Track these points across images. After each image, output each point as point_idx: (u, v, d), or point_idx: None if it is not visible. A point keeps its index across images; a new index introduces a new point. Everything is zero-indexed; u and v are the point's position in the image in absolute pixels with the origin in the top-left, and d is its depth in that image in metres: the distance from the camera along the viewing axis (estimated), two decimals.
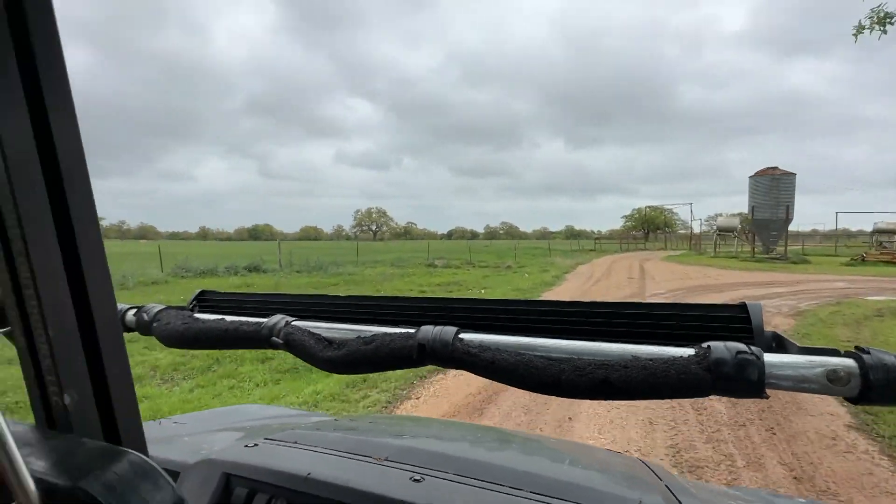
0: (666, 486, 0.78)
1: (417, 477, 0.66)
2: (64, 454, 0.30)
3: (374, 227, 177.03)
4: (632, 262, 25.65)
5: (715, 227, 36.89)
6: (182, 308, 0.74)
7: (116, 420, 0.34)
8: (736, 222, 34.39)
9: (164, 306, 0.72)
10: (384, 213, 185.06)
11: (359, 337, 0.55)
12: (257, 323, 0.62)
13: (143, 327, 0.71)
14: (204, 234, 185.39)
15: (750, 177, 30.02)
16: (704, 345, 0.42)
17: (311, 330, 0.59)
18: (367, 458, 0.72)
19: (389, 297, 0.64)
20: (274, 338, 0.59)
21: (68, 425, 0.33)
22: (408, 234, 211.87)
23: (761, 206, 28.81)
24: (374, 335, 0.54)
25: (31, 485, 0.26)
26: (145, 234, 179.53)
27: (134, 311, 0.73)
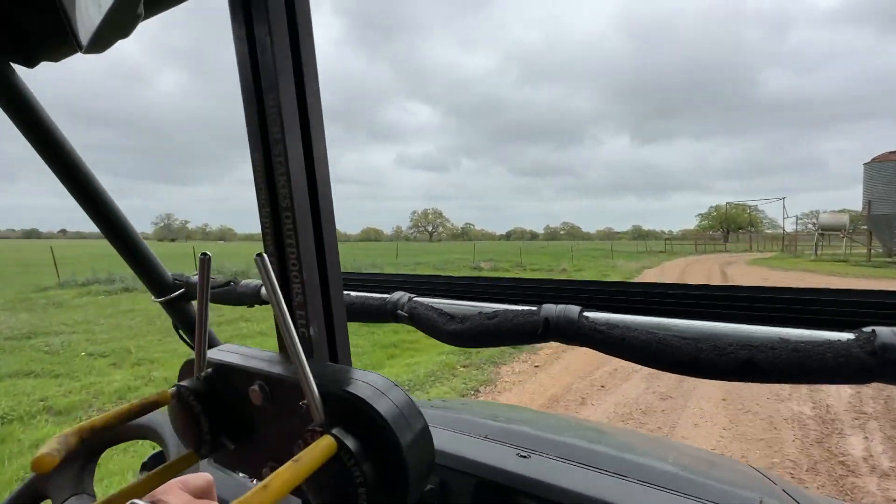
0: (783, 490, 0.77)
1: (524, 454, 0.73)
2: (321, 371, 0.39)
3: (429, 228, 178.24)
4: (710, 267, 22.16)
5: (814, 226, 31.43)
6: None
7: (337, 348, 0.44)
8: (844, 219, 29.02)
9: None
10: (440, 213, 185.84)
11: (480, 313, 0.57)
12: (381, 298, 0.69)
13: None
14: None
15: (865, 164, 24.95)
16: (867, 329, 0.41)
17: (434, 305, 0.63)
18: (471, 435, 0.77)
19: (507, 277, 0.68)
20: (399, 311, 0.65)
21: (311, 352, 0.44)
22: (465, 234, 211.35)
23: (881, 200, 23.69)
24: (496, 311, 0.56)
25: (316, 391, 0.35)
26: (224, 235, 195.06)
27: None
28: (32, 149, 0.81)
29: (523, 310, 0.54)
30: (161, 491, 0.38)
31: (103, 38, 0.47)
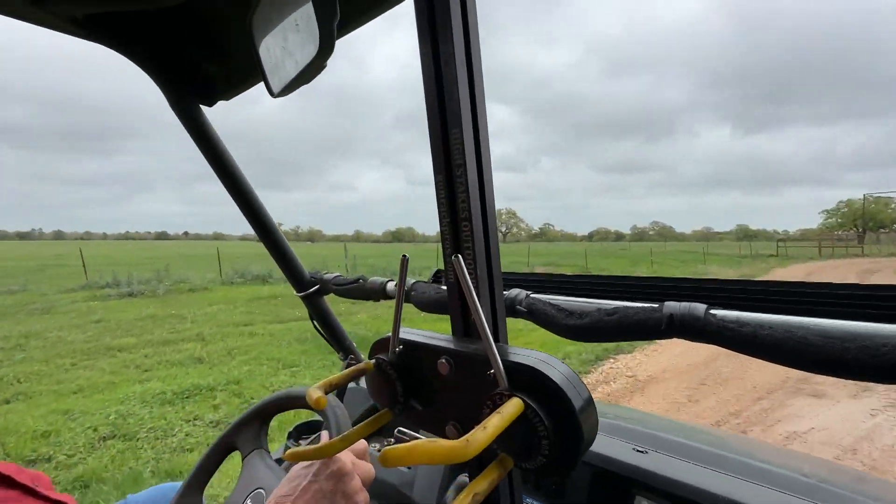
0: None
1: (640, 449, 0.77)
2: (476, 351, 0.46)
3: (503, 229, 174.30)
4: (844, 276, 16.71)
5: None
6: (426, 282, 0.91)
7: (499, 331, 0.49)
8: None
9: (415, 280, 0.92)
10: (513, 213, 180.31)
11: (599, 309, 0.59)
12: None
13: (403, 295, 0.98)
14: (357, 237, 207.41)
15: None
16: None
17: (551, 301, 0.66)
18: None
19: (624, 276, 0.69)
20: (518, 307, 0.68)
21: (476, 334, 0.50)
22: (543, 235, 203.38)
23: None
24: (616, 308, 0.57)
25: (501, 362, 0.41)
26: (313, 236, 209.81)
27: (394, 283, 0.99)
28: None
29: (644, 307, 0.55)
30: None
31: (291, 86, 0.62)
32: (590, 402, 0.40)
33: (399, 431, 0.49)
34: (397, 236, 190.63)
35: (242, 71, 0.94)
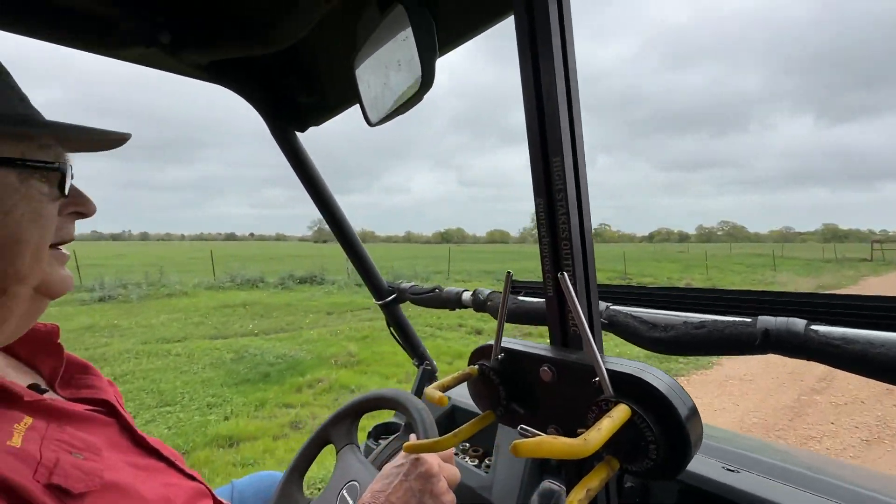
0: None
1: (731, 468, 0.76)
2: (578, 360, 0.49)
3: None
4: None
5: None
6: (499, 292, 0.98)
7: (595, 342, 0.47)
8: None
9: (490, 290, 1.01)
10: None
11: (685, 322, 0.59)
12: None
13: (478, 305, 1.02)
14: (408, 238, 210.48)
15: None
16: None
17: (633, 314, 0.66)
18: None
19: (712, 288, 0.69)
20: (601, 319, 0.67)
21: (580, 344, 0.52)
22: (599, 236, 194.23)
23: None
24: (703, 321, 0.58)
25: (605, 371, 0.43)
26: (365, 238, 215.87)
27: (469, 293, 1.07)
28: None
29: (736, 321, 0.55)
30: (425, 455, 0.65)
31: (389, 117, 0.71)
32: (694, 410, 0.41)
33: (522, 429, 0.49)
34: (445, 237, 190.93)
35: (332, 100, 1.09)
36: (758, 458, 0.82)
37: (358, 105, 0.86)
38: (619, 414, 0.40)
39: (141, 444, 0.63)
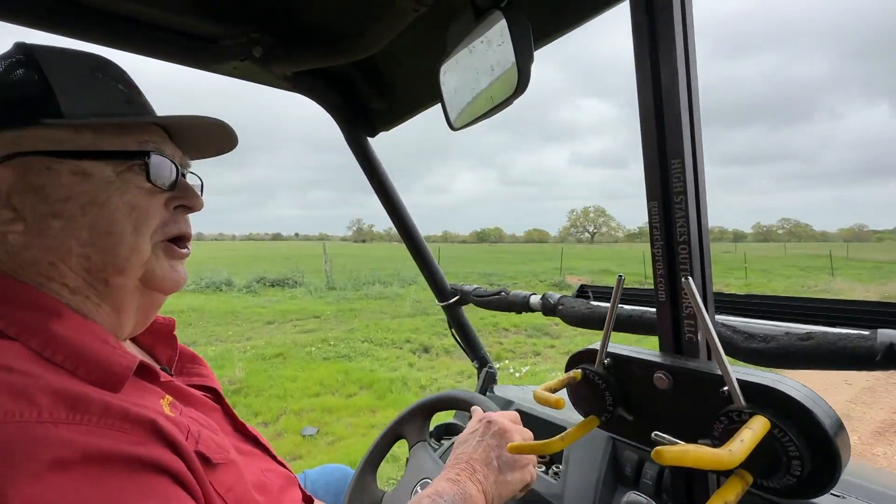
0: None
1: (837, 493, 0.71)
2: (698, 368, 0.47)
3: (591, 229, 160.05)
4: None
5: None
6: (573, 297, 0.96)
7: (710, 350, 0.45)
8: None
9: (560, 295, 0.98)
10: (603, 212, 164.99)
11: (788, 333, 0.56)
12: (649, 311, 0.73)
13: (548, 309, 0.99)
14: (445, 237, 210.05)
15: None
16: None
17: (726, 322, 0.63)
18: None
19: (821, 298, 0.67)
20: None
21: (696, 352, 0.51)
22: (642, 236, 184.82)
23: None
24: (811, 333, 0.54)
25: (735, 380, 0.41)
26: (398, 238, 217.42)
27: (538, 297, 1.03)
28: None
29: (850, 333, 0.52)
30: (491, 416, 0.71)
31: (473, 122, 0.72)
32: (840, 423, 0.39)
33: (656, 435, 0.44)
34: (482, 237, 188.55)
35: (403, 106, 1.12)
36: (863, 483, 0.77)
37: (425, 111, 1.08)
38: (759, 426, 0.38)
39: (241, 431, 0.67)
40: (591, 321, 0.84)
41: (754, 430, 0.37)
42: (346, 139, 1.19)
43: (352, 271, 15.39)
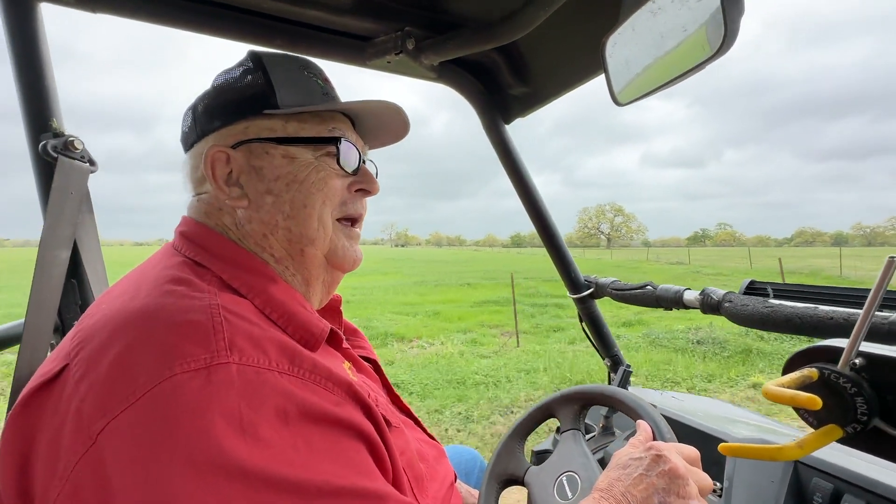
0: None
1: None
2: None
3: (606, 231, 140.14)
4: None
5: None
6: (741, 294, 0.87)
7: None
8: None
9: (725, 292, 0.89)
10: (621, 210, 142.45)
11: None
12: (829, 311, 0.69)
13: (709, 307, 0.90)
14: (489, 242, 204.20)
15: None
16: None
17: None
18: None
19: None
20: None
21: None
22: (709, 239, 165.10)
23: None
24: None
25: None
26: (464, 242, 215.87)
27: (695, 292, 0.95)
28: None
29: None
30: (663, 448, 0.58)
31: (643, 96, 0.71)
32: None
33: None
34: (517, 241, 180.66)
35: (542, 91, 1.13)
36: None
37: (568, 93, 1.07)
38: None
39: (396, 402, 0.74)
40: (771, 322, 0.76)
41: None
42: (484, 127, 1.22)
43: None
